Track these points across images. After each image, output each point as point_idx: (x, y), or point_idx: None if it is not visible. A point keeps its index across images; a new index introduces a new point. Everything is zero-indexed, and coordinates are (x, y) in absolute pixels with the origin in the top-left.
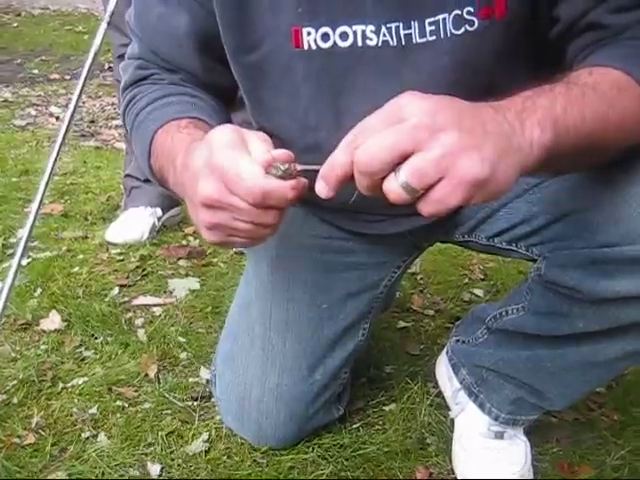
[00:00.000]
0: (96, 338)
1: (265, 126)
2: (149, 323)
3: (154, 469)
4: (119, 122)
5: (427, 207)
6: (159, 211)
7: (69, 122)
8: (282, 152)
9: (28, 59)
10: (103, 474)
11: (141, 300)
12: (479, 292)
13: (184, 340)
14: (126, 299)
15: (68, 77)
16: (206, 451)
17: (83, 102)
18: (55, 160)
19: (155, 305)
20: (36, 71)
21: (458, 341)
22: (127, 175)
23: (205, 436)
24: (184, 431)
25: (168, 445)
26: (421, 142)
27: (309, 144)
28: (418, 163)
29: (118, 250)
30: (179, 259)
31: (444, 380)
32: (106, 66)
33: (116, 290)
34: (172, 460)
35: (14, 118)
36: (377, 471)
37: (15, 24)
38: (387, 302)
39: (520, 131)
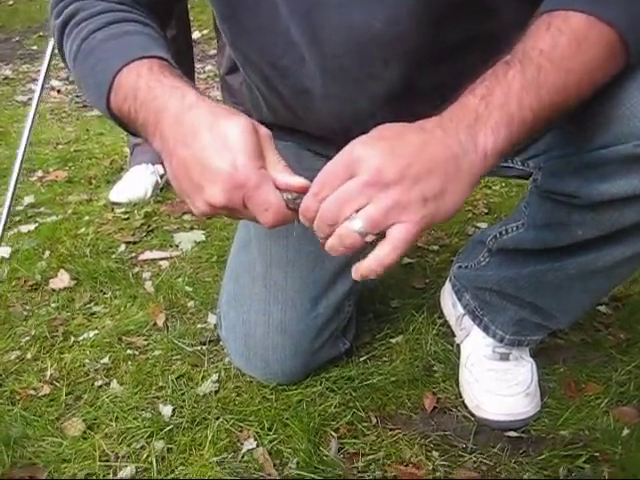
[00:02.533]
0: (105, 293)
1: (249, 53)
2: (156, 276)
3: (166, 410)
4: None
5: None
6: (161, 168)
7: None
8: (299, 182)
9: (26, 36)
10: (117, 418)
11: (147, 255)
12: (483, 225)
13: (191, 289)
14: (133, 255)
15: None
16: (216, 391)
17: None
18: (30, 128)
19: (161, 259)
20: (35, 47)
21: (460, 267)
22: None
23: (215, 377)
24: (194, 374)
25: (179, 388)
26: (372, 197)
27: (295, 58)
28: (370, 212)
29: (123, 209)
30: (183, 214)
31: (448, 308)
32: None
33: (122, 247)
34: (183, 401)
35: (15, 94)
36: (385, 400)
37: (10, 2)
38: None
39: (473, 148)
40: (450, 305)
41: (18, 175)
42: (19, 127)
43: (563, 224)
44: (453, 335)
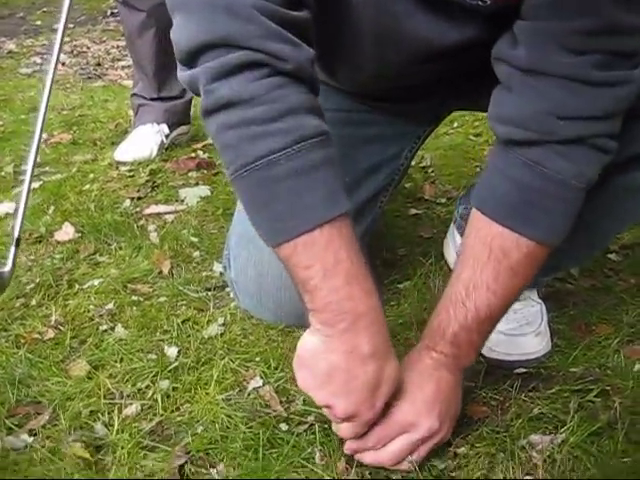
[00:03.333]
0: (109, 245)
1: None
2: (161, 228)
3: (171, 351)
4: (125, 63)
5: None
6: (166, 128)
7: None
8: None
9: (30, 12)
10: (122, 359)
11: (153, 209)
12: None
13: (196, 239)
14: (138, 209)
15: (72, 25)
16: (221, 334)
17: (88, 47)
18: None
19: (167, 213)
20: (39, 22)
21: (466, 208)
22: (134, 94)
23: (220, 321)
24: (199, 318)
25: (184, 331)
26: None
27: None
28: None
29: (128, 167)
30: (189, 171)
31: (452, 256)
32: (108, 12)
33: (127, 202)
34: (188, 343)
35: (20, 67)
36: (393, 342)
37: None
38: (403, 178)
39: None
40: (454, 253)
41: (39, 142)
42: (24, 96)
43: None
44: None
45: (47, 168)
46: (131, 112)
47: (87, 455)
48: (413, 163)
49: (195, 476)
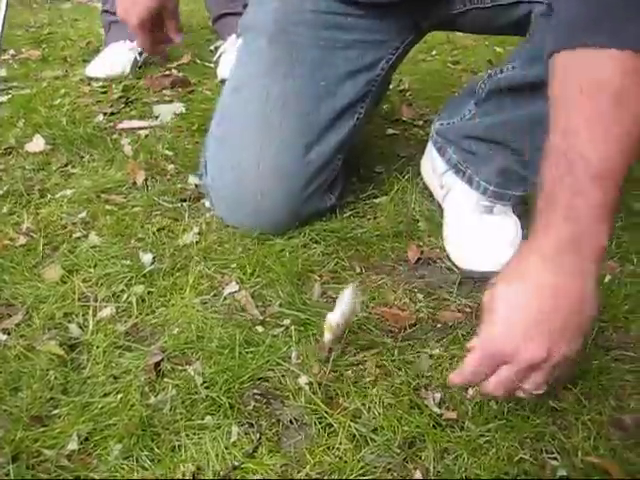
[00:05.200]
0: (82, 157)
1: None
2: (135, 142)
3: (146, 258)
4: None
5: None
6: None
7: None
8: None
9: None
10: (96, 265)
11: (126, 124)
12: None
13: (171, 153)
14: (110, 124)
15: None
16: (197, 242)
17: None
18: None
19: (140, 128)
20: None
21: (443, 124)
22: (104, 11)
23: (196, 230)
24: (174, 227)
25: (159, 239)
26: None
27: None
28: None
29: (100, 84)
30: (163, 89)
31: (429, 174)
32: None
33: (100, 117)
34: (163, 250)
35: None
36: (369, 252)
37: None
38: (380, 96)
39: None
40: (430, 170)
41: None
42: None
43: None
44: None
45: (15, 83)
46: (102, 30)
47: (62, 352)
48: (391, 87)
49: (171, 373)
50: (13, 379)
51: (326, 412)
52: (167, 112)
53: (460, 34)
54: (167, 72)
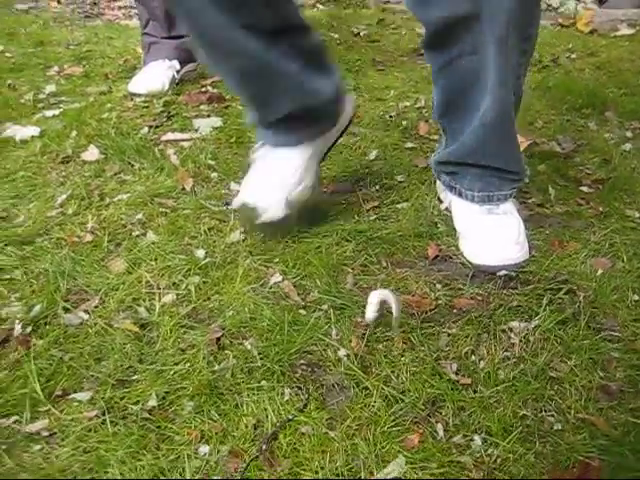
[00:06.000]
0: (133, 165)
1: None
2: (180, 152)
3: (199, 253)
4: (121, 3)
5: None
6: (177, 64)
7: None
8: None
9: None
10: (156, 259)
11: (170, 136)
12: None
13: (213, 163)
14: (155, 136)
15: None
16: (243, 240)
17: None
18: None
19: (183, 140)
20: None
21: (435, 155)
22: (145, 33)
23: (241, 229)
24: (222, 227)
25: (209, 237)
26: None
27: None
28: None
29: (142, 99)
30: (200, 104)
31: (440, 191)
32: None
33: (145, 129)
34: (214, 247)
35: (15, 2)
36: (393, 249)
37: None
38: None
39: None
40: (440, 190)
41: None
42: (25, 30)
43: None
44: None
45: (64, 97)
46: (139, 49)
47: (137, 329)
48: (409, 104)
49: (231, 347)
50: (96, 351)
51: (362, 377)
52: (206, 125)
53: None
54: (203, 89)
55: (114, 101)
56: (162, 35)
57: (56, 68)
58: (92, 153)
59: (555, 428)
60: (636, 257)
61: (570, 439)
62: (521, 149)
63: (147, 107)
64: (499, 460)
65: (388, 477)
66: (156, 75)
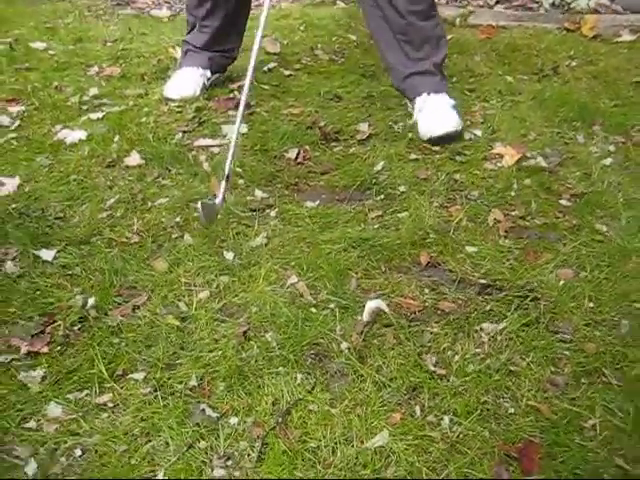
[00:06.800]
0: (169, 170)
1: None
2: (211, 158)
3: (229, 255)
4: None
5: None
6: (209, 73)
7: None
8: None
9: None
10: (193, 260)
11: (201, 142)
12: (478, 132)
13: (240, 170)
14: (189, 141)
15: None
16: (265, 244)
17: None
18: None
19: (213, 146)
20: None
21: None
22: (185, 41)
23: (264, 234)
24: (248, 231)
25: (237, 240)
26: None
27: None
28: None
29: (176, 104)
30: (228, 110)
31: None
32: None
33: (180, 135)
34: (241, 250)
35: None
36: (392, 256)
37: None
38: None
39: None
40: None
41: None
42: (64, 22)
43: None
44: (446, 209)
45: (105, 100)
46: (171, 49)
47: (177, 323)
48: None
49: (255, 338)
50: (146, 339)
51: (359, 367)
52: (233, 131)
53: (478, 60)
54: (231, 94)
55: (150, 105)
56: (202, 46)
57: (96, 68)
58: (134, 158)
59: (509, 412)
60: (598, 268)
61: (519, 421)
62: (511, 162)
63: (180, 112)
64: (461, 435)
65: (375, 445)
66: (189, 81)
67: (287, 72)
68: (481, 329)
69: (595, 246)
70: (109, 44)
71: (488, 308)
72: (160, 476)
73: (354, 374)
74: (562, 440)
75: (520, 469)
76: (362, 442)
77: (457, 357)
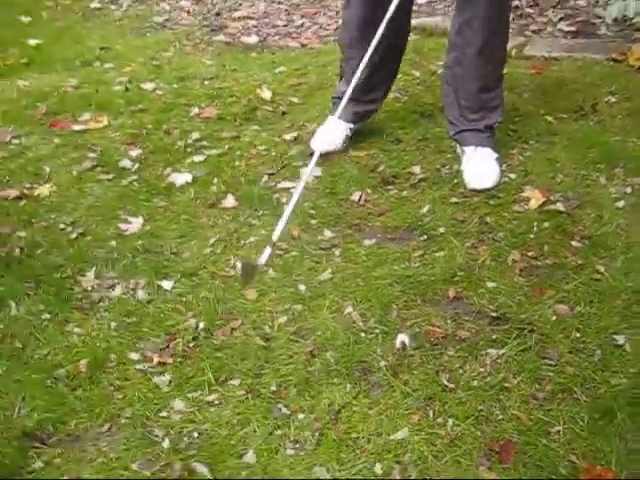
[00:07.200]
0: (257, 211)
1: None
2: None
3: (301, 287)
4: (239, 14)
5: None
6: (352, 125)
7: None
8: None
9: None
10: (275, 291)
11: (283, 184)
12: (512, 175)
13: (313, 212)
14: (272, 184)
15: None
16: (330, 279)
17: None
18: None
19: (292, 188)
20: None
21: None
22: (335, 97)
23: (329, 270)
24: (317, 267)
25: (308, 275)
26: None
27: None
28: None
29: (263, 147)
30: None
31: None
32: None
33: (265, 177)
34: (311, 283)
35: (152, 15)
36: (427, 290)
37: None
38: None
39: None
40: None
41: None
42: (167, 57)
43: None
44: (475, 249)
45: (204, 142)
46: (258, 90)
47: (263, 342)
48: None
49: (318, 356)
50: (240, 354)
51: (392, 380)
52: (309, 175)
53: (525, 98)
54: None
55: (242, 148)
56: (352, 96)
57: (196, 110)
58: (229, 200)
59: (497, 418)
60: (590, 304)
61: (504, 425)
62: (535, 206)
63: (266, 155)
64: (460, 434)
65: (397, 438)
66: (335, 135)
67: None
68: (487, 353)
69: (592, 284)
70: (206, 82)
71: (494, 337)
72: (250, 454)
73: (387, 385)
74: (532, 441)
75: (498, 460)
76: (389, 435)
77: (465, 375)
